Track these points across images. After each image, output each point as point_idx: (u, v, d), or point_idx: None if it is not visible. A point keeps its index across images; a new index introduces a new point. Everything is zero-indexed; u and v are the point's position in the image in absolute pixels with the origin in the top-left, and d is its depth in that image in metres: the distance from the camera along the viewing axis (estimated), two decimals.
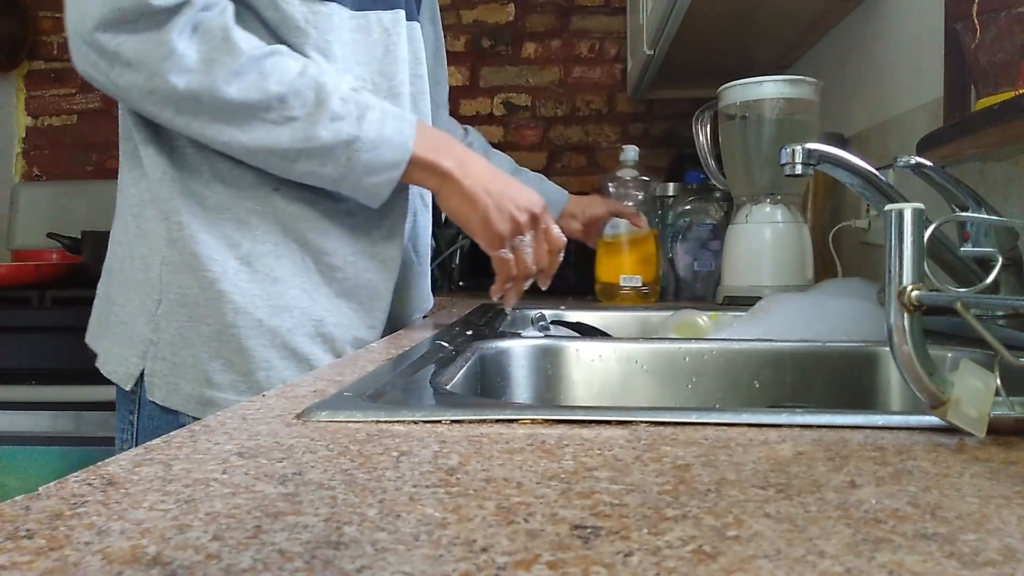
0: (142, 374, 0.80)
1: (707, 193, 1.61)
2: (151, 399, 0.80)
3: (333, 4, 0.81)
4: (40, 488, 0.28)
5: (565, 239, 0.91)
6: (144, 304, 0.80)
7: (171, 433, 0.37)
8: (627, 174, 1.41)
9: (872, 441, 0.36)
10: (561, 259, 0.91)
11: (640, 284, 1.37)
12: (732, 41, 1.71)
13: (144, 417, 0.81)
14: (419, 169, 0.80)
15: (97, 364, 0.86)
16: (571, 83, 2.50)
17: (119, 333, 0.83)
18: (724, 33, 1.66)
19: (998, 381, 0.37)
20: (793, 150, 0.70)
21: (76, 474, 0.30)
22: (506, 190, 0.83)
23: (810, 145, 0.70)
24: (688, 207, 1.61)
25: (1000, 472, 0.31)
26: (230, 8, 0.75)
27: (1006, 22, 0.82)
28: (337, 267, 0.83)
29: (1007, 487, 0.29)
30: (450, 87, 2.85)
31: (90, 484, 0.29)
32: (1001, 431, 0.37)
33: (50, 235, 2.06)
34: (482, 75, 2.51)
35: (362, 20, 0.84)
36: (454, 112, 2.48)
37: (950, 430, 0.38)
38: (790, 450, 0.35)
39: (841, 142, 1.44)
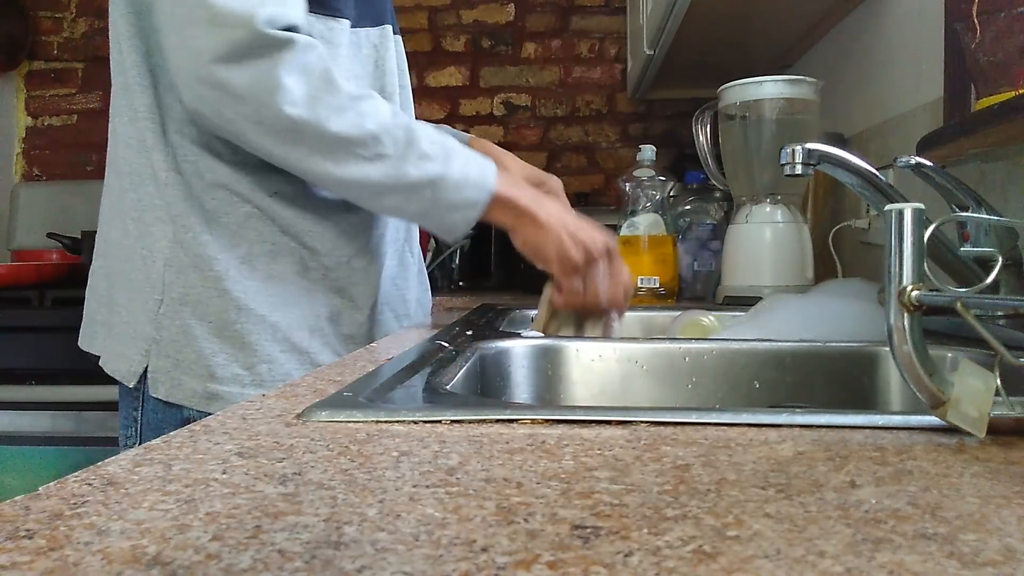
0: (145, 371, 0.83)
1: (707, 193, 1.61)
2: (154, 395, 0.83)
3: (344, 20, 0.87)
4: (40, 488, 0.28)
5: (632, 281, 0.93)
6: (146, 304, 0.84)
7: (171, 433, 0.37)
8: (644, 173, 1.41)
9: (872, 441, 0.36)
10: (630, 301, 0.93)
11: (658, 285, 1.35)
12: (732, 41, 1.71)
13: (148, 412, 0.84)
14: (499, 205, 0.83)
15: (100, 363, 0.89)
16: (571, 83, 2.50)
17: (122, 332, 0.86)
18: (724, 33, 1.66)
19: (998, 381, 0.37)
20: (793, 150, 0.70)
21: (76, 474, 0.30)
22: (579, 224, 0.86)
23: (810, 145, 0.70)
24: (688, 207, 1.61)
25: (1000, 472, 0.31)
26: (327, 53, 0.80)
27: (1006, 22, 0.82)
28: (331, 267, 0.88)
29: (1007, 487, 0.29)
30: (450, 87, 2.84)
31: (90, 484, 0.29)
32: (1001, 431, 0.37)
33: (50, 235, 2.06)
34: (482, 75, 2.51)
35: (354, 37, 0.90)
36: (453, 112, 2.50)
37: (950, 430, 0.38)
38: (790, 450, 0.35)
39: (841, 142, 1.44)
